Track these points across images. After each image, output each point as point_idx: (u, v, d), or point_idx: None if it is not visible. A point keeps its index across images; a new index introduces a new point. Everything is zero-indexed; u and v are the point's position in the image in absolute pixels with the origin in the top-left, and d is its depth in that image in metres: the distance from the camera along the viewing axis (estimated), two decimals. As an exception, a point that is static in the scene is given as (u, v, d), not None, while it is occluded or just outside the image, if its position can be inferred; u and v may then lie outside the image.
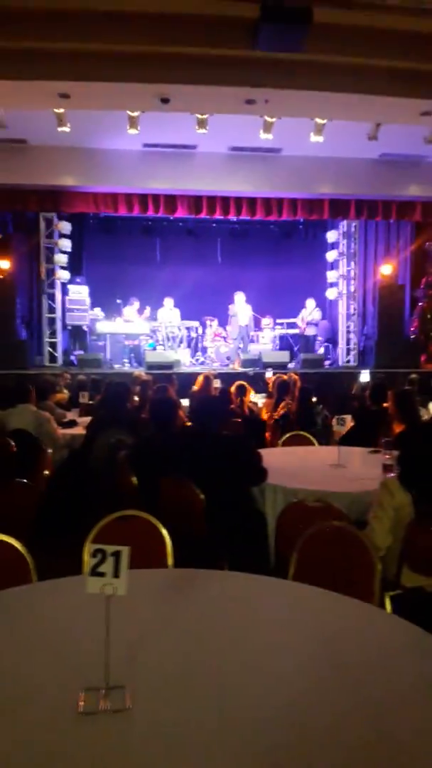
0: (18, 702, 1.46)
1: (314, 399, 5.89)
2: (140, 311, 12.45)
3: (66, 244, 12.38)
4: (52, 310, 12.54)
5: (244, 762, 1.26)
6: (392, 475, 3.09)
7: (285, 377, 6.68)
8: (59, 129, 8.81)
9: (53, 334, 12.54)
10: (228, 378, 8.85)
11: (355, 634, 1.83)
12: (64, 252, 12.40)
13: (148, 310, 12.43)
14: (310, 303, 12.94)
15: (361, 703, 1.47)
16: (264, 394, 8.25)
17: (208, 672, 1.60)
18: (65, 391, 7.92)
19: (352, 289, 13.31)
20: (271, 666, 1.64)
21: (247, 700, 1.48)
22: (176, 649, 1.71)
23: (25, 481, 3.64)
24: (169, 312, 12.40)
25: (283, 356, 11.85)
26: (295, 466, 4.07)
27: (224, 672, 1.60)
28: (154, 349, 12.11)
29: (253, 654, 1.70)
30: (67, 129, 8.83)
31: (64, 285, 12.61)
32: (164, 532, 2.57)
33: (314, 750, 1.31)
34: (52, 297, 12.55)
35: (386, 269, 12.56)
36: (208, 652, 1.71)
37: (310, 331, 12.93)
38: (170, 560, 2.51)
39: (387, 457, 3.62)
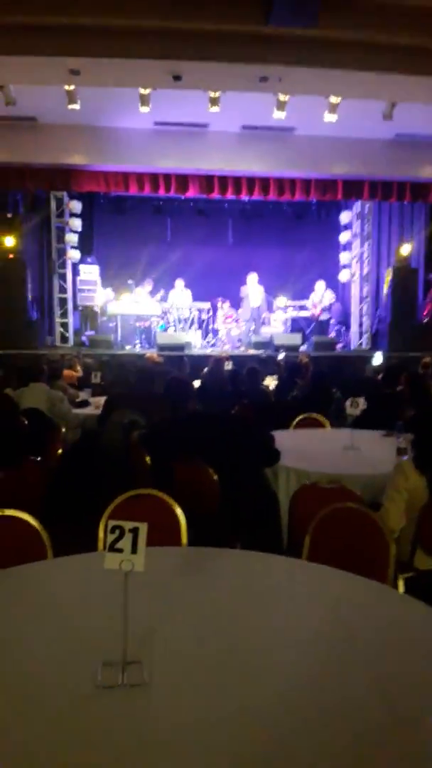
0: (37, 675, 1.49)
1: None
2: (153, 292, 12.39)
3: (76, 224, 12.31)
4: (62, 290, 12.52)
5: (259, 736, 1.28)
6: (407, 457, 3.08)
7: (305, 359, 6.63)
8: (69, 106, 8.70)
9: (64, 314, 12.53)
10: (239, 360, 8.83)
11: (369, 613, 1.84)
12: (75, 232, 12.34)
13: (162, 292, 12.38)
14: (320, 286, 12.82)
15: (375, 680, 1.48)
16: (276, 376, 8.23)
17: (224, 648, 1.62)
18: (79, 368, 7.93)
19: (365, 271, 13.18)
20: (285, 642, 1.66)
21: (262, 675, 1.50)
22: (192, 626, 1.73)
23: (38, 459, 3.65)
24: (180, 293, 12.34)
25: (295, 338, 11.78)
26: (308, 449, 4.06)
27: (239, 648, 1.62)
28: (166, 330, 12.08)
29: (268, 631, 1.72)
30: (77, 106, 8.73)
31: (74, 265, 12.57)
32: (178, 511, 2.57)
33: (329, 725, 1.32)
34: (62, 277, 12.52)
35: (405, 249, 12.39)
36: (224, 628, 1.73)
37: (324, 316, 12.83)
38: (184, 539, 2.52)
39: (400, 440, 3.61)
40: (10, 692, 1.42)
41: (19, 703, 1.38)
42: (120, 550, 1.47)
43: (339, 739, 1.27)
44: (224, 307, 12.78)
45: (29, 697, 1.40)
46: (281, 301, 12.93)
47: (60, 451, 4.44)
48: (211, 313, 12.69)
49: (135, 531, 1.48)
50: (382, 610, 1.87)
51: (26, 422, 4.19)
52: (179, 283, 12.36)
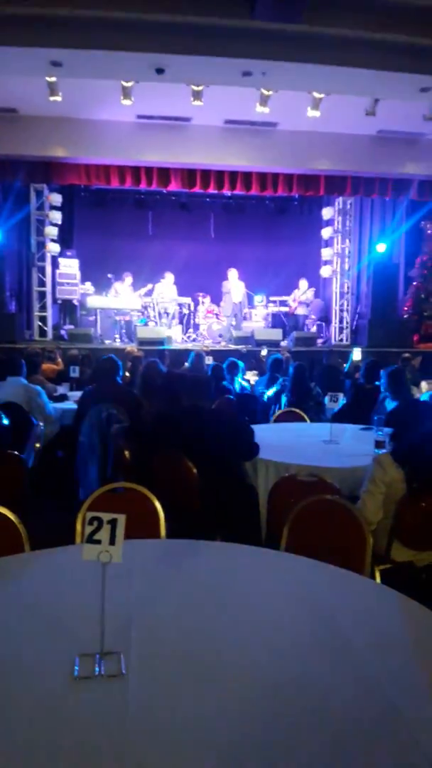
0: (13, 667, 1.47)
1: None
2: (134, 286, 12.33)
3: (56, 217, 12.20)
4: (42, 283, 12.40)
5: (238, 727, 1.28)
6: (385, 451, 3.11)
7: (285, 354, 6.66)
8: (51, 98, 8.62)
9: (43, 307, 12.40)
10: (220, 355, 8.84)
11: (348, 603, 1.85)
12: (55, 224, 12.22)
13: (149, 286, 12.31)
14: (303, 283, 12.90)
15: (355, 669, 1.49)
16: (256, 371, 8.26)
17: (202, 639, 1.62)
18: (60, 361, 7.89)
19: (346, 267, 13.25)
20: (263, 634, 1.66)
21: (240, 667, 1.50)
22: (170, 617, 1.73)
23: (16, 453, 3.62)
24: (168, 287, 12.28)
25: (276, 334, 11.84)
26: (287, 442, 4.08)
27: (217, 639, 1.62)
28: (146, 324, 12.05)
29: (246, 622, 1.72)
30: (58, 98, 8.65)
31: (54, 258, 12.46)
32: (157, 504, 2.57)
33: (311, 714, 1.32)
34: (42, 270, 12.39)
35: (381, 247, 12.51)
36: (202, 619, 1.73)
37: (301, 311, 12.91)
38: (163, 532, 2.51)
39: (379, 433, 3.64)
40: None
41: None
42: (98, 542, 1.47)
43: (322, 728, 1.28)
44: (205, 302, 12.77)
45: (5, 689, 1.39)
46: (257, 299, 12.99)
47: (38, 445, 4.41)
48: (192, 307, 12.68)
49: (113, 522, 1.48)
50: (361, 600, 1.88)
51: (3, 416, 4.15)
52: (169, 276, 12.30)
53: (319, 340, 12.78)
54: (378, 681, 1.45)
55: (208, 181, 11.39)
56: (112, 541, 1.46)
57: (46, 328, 12.35)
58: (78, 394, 5.48)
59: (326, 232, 13.30)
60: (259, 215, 13.89)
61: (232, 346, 11.26)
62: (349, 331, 13.21)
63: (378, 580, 2.56)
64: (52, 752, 1.20)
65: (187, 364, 7.08)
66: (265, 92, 8.59)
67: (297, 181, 11.59)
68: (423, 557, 2.77)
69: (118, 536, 1.46)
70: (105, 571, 1.47)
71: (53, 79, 8.28)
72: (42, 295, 12.39)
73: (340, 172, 11.45)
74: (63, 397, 5.98)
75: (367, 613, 1.79)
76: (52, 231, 12.17)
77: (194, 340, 12.35)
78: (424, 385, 5.59)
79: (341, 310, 13.31)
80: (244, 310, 12.64)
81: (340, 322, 13.32)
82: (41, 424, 4.69)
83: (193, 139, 10.69)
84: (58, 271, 12.41)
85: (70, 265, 12.43)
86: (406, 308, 12.53)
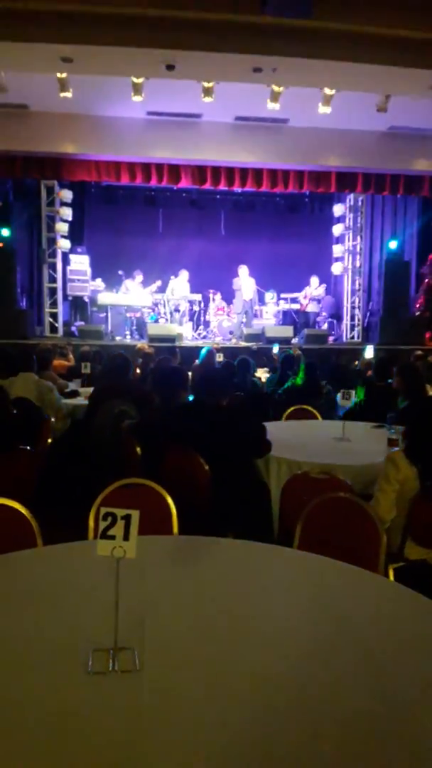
0: (27, 662, 1.48)
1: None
2: (145, 283, 12.33)
3: (67, 213, 12.23)
4: (52, 279, 12.44)
5: (250, 722, 1.28)
6: (398, 448, 3.08)
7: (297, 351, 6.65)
8: (61, 95, 8.65)
9: (54, 304, 12.45)
10: (231, 352, 8.83)
11: (361, 601, 1.84)
12: (65, 221, 12.25)
13: (158, 282, 12.30)
14: (314, 280, 12.88)
15: (366, 666, 1.49)
16: (267, 369, 8.25)
17: (215, 635, 1.62)
18: (71, 357, 7.92)
19: (357, 264, 13.20)
20: (275, 630, 1.66)
21: (252, 663, 1.49)
22: (183, 613, 1.73)
23: (27, 448, 3.62)
24: (181, 284, 12.27)
25: (287, 331, 11.81)
26: (299, 440, 4.06)
27: (230, 635, 1.62)
28: (156, 321, 12.05)
29: (259, 618, 1.72)
30: (69, 95, 8.68)
31: (65, 255, 12.50)
32: (169, 500, 2.56)
33: (319, 711, 1.32)
34: (53, 267, 12.44)
35: (392, 244, 12.45)
36: (215, 616, 1.73)
37: (312, 308, 12.86)
38: (175, 528, 2.51)
39: (392, 431, 3.62)
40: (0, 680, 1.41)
41: (10, 690, 1.37)
42: (112, 537, 1.47)
43: (333, 726, 1.27)
44: (216, 299, 12.76)
45: (19, 684, 1.39)
46: (268, 297, 12.96)
47: (49, 440, 4.42)
48: (202, 305, 12.67)
49: (127, 518, 1.47)
50: (374, 598, 1.87)
51: (15, 411, 4.16)
52: (184, 273, 12.29)
53: (331, 338, 12.74)
54: (391, 678, 1.44)
55: (218, 178, 11.37)
56: (126, 537, 1.46)
57: (56, 325, 12.40)
58: (89, 390, 5.49)
59: (337, 229, 13.26)
60: (269, 212, 13.86)
61: (243, 344, 11.24)
62: (360, 328, 13.17)
63: (391, 578, 2.54)
64: (66, 747, 1.20)
65: (197, 362, 7.07)
66: (276, 88, 8.57)
67: (308, 177, 11.54)
68: (437, 555, 2.75)
69: (132, 532, 1.46)
70: (119, 566, 1.47)
71: (64, 75, 8.30)
72: (53, 292, 12.44)
73: (351, 169, 11.39)
74: (74, 393, 5.99)
75: (380, 612, 1.78)
76: (62, 227, 12.20)
77: (205, 337, 12.35)
78: (436, 382, 5.55)
79: (353, 308, 13.26)
80: (254, 308, 12.61)
81: (352, 319, 13.27)
82: (52, 419, 4.71)
83: (203, 136, 10.68)
84: (68, 268, 12.45)
85: (81, 262, 12.45)
86: (417, 305, 12.46)
